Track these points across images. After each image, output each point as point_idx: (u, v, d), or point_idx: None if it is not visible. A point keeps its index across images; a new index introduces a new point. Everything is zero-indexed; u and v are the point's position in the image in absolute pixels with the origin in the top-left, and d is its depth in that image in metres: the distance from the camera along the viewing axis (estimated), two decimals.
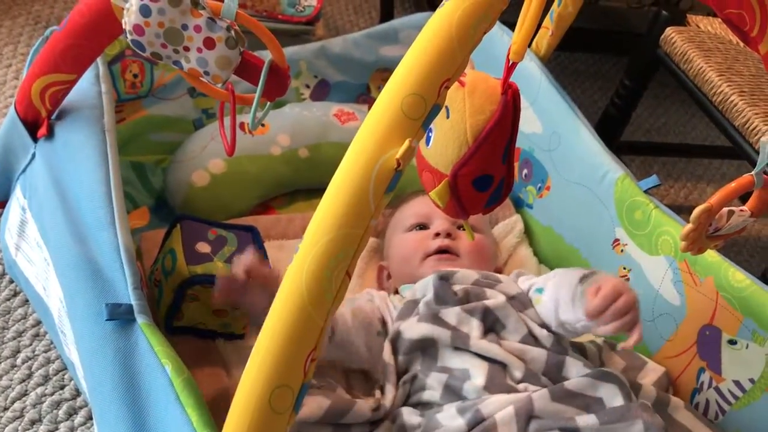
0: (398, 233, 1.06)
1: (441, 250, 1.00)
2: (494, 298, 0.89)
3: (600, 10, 1.67)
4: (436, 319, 0.86)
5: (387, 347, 0.87)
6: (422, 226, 1.04)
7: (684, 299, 0.96)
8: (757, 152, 1.08)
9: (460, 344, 0.84)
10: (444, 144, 0.69)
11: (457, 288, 0.91)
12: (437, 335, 0.85)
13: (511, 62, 0.67)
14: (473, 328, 0.86)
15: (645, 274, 1.02)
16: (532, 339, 0.87)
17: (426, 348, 0.86)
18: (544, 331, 0.88)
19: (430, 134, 0.70)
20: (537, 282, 0.92)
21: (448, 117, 0.68)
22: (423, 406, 0.81)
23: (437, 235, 1.01)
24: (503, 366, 0.83)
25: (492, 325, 0.87)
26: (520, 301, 0.90)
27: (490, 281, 0.94)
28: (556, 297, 0.85)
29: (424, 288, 0.92)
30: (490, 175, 0.69)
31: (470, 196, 0.70)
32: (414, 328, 0.86)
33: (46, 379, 0.98)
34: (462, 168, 0.70)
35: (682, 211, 1.45)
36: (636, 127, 1.82)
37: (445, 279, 0.92)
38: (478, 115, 0.68)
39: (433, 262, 0.99)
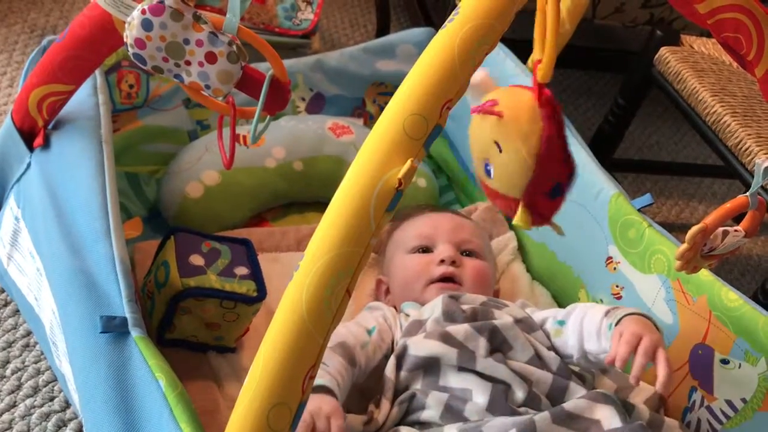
0: (400, 253, 1.06)
1: (445, 278, 1.00)
2: (502, 319, 0.90)
3: (595, 29, 1.69)
4: (443, 336, 0.86)
5: (391, 362, 0.87)
6: (425, 249, 1.04)
7: (677, 318, 0.97)
8: (749, 172, 1.09)
9: (465, 363, 0.84)
10: (509, 175, 0.69)
11: (465, 307, 0.92)
12: (443, 353, 0.84)
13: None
14: (480, 346, 0.86)
15: (638, 293, 1.02)
16: (538, 361, 0.87)
17: (429, 366, 0.85)
18: (552, 353, 0.89)
19: (489, 168, 0.71)
20: (554, 314, 0.94)
21: (500, 151, 0.69)
22: (421, 425, 0.81)
23: (442, 261, 1.01)
24: (506, 387, 0.83)
25: (499, 345, 0.88)
26: (527, 324, 0.92)
27: (497, 304, 0.95)
28: (580, 328, 0.89)
29: (432, 308, 0.92)
30: (558, 182, 0.70)
31: (548, 207, 0.71)
32: (421, 345, 0.86)
33: (36, 390, 0.97)
34: (535, 187, 0.70)
35: (673, 229, 1.46)
36: (628, 144, 1.83)
37: (454, 298, 0.93)
38: (530, 139, 0.68)
39: (437, 290, 0.99)
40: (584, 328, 0.88)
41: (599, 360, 0.87)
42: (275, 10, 1.56)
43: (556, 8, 0.64)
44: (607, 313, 0.88)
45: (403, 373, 0.86)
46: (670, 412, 0.95)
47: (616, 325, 0.84)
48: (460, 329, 0.87)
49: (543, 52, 0.65)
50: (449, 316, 0.90)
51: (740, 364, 0.89)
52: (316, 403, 0.75)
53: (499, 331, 0.88)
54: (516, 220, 0.70)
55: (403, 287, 1.02)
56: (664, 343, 0.83)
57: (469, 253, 1.04)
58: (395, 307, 1.03)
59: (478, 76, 0.73)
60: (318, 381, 0.78)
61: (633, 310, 0.87)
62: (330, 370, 0.81)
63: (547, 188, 0.69)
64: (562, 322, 0.92)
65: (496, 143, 0.67)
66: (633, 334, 0.80)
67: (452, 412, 0.80)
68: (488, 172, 0.70)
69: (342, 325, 0.90)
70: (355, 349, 0.86)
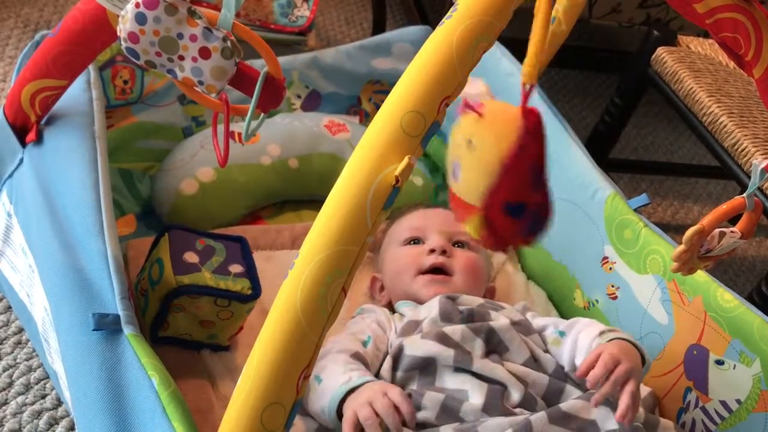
0: (393, 246, 1.06)
1: (434, 269, 0.99)
2: (498, 321, 0.90)
3: (591, 29, 1.69)
4: (440, 337, 0.85)
5: (387, 362, 0.86)
6: (417, 240, 1.04)
7: (672, 318, 0.96)
8: (746, 173, 1.09)
9: (462, 364, 0.83)
10: (473, 176, 0.68)
11: (462, 308, 0.91)
12: (439, 354, 0.84)
13: (528, 87, 0.67)
14: (476, 347, 0.86)
15: (633, 293, 1.02)
16: (534, 363, 0.87)
17: (426, 366, 0.85)
18: (548, 356, 0.89)
19: (456, 168, 0.70)
20: (555, 323, 0.94)
21: (472, 150, 0.68)
22: (417, 426, 0.80)
23: (432, 251, 1.00)
24: (503, 388, 0.82)
25: (495, 347, 0.88)
26: (524, 327, 0.91)
27: (494, 306, 0.94)
28: (575, 343, 0.89)
29: (429, 308, 0.92)
30: (522, 202, 0.69)
31: (505, 225, 0.70)
32: (417, 345, 0.86)
33: (28, 387, 0.97)
34: (493, 196, 0.69)
35: (668, 229, 1.46)
36: (624, 144, 1.83)
37: (451, 299, 0.92)
38: (502, 143, 0.67)
39: (426, 280, 0.98)
40: (578, 344, 0.88)
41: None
42: (271, 7, 1.55)
43: (547, 10, 0.64)
44: (601, 333, 0.87)
45: (399, 374, 0.85)
46: (666, 413, 0.95)
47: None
48: (456, 330, 0.87)
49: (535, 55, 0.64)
50: (446, 317, 0.89)
51: (735, 365, 0.89)
52: (366, 393, 0.76)
53: (495, 333, 0.88)
54: (467, 224, 0.69)
55: (394, 279, 1.02)
56: (640, 375, 0.82)
57: (461, 245, 1.04)
58: (390, 305, 1.03)
59: (478, 87, 0.73)
60: (360, 379, 0.79)
61: (626, 336, 0.86)
62: (361, 370, 0.82)
63: (506, 202, 0.68)
64: (562, 333, 0.92)
65: (470, 141, 0.66)
66: (612, 357, 0.79)
67: (448, 412, 0.80)
68: (455, 174, 0.69)
69: (339, 337, 0.90)
70: (366, 356, 0.87)
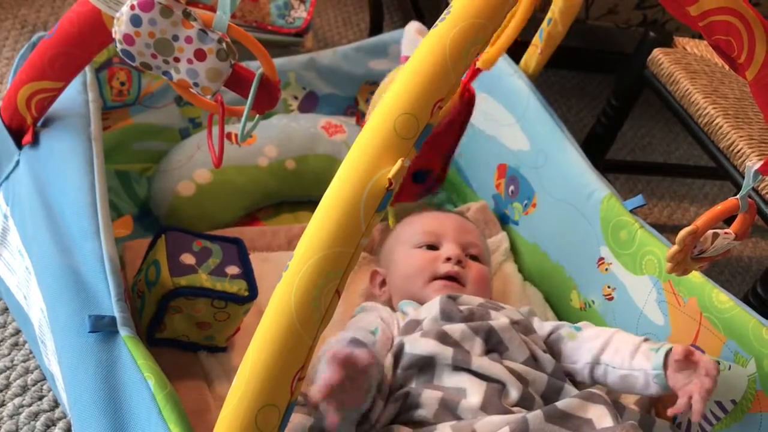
0: (405, 247, 1.05)
1: (449, 277, 1.00)
2: (498, 320, 0.90)
3: (588, 30, 1.69)
4: (440, 335, 0.86)
5: (389, 360, 0.87)
6: (431, 246, 1.04)
7: (668, 319, 0.97)
8: (741, 174, 1.09)
9: (460, 363, 0.84)
10: None
11: (462, 307, 0.92)
12: (438, 353, 0.85)
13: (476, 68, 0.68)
14: (475, 346, 0.87)
15: (629, 294, 1.02)
16: (534, 362, 0.88)
17: (425, 365, 0.85)
18: (547, 356, 0.89)
19: None
20: (564, 324, 0.95)
21: None
22: (415, 424, 0.81)
23: (448, 259, 1.01)
24: (501, 386, 0.83)
25: (495, 346, 0.88)
26: (523, 326, 0.92)
27: (494, 306, 0.95)
28: (607, 339, 0.90)
29: (429, 308, 0.93)
30: (429, 169, 0.69)
31: (406, 187, 0.70)
32: (417, 344, 0.86)
33: (25, 389, 0.97)
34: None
35: (665, 230, 1.46)
36: (620, 145, 1.84)
37: (452, 298, 0.93)
38: None
39: (439, 286, 0.99)
40: (612, 340, 0.89)
41: (606, 374, 0.88)
42: (268, 8, 1.55)
43: (526, 11, 0.65)
44: (645, 339, 0.89)
45: (399, 371, 0.86)
46: (662, 413, 0.96)
47: (665, 356, 0.84)
48: (456, 329, 0.87)
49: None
50: (446, 316, 0.90)
51: (730, 366, 0.89)
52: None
53: (495, 332, 0.88)
54: None
55: (405, 280, 1.02)
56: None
57: (474, 258, 1.04)
58: (391, 302, 1.03)
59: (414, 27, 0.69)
60: None
61: (670, 345, 0.86)
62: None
63: (416, 167, 0.69)
64: (578, 328, 0.93)
65: None
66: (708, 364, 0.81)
67: (445, 410, 0.80)
68: None
69: (346, 333, 0.90)
70: (374, 347, 0.87)
